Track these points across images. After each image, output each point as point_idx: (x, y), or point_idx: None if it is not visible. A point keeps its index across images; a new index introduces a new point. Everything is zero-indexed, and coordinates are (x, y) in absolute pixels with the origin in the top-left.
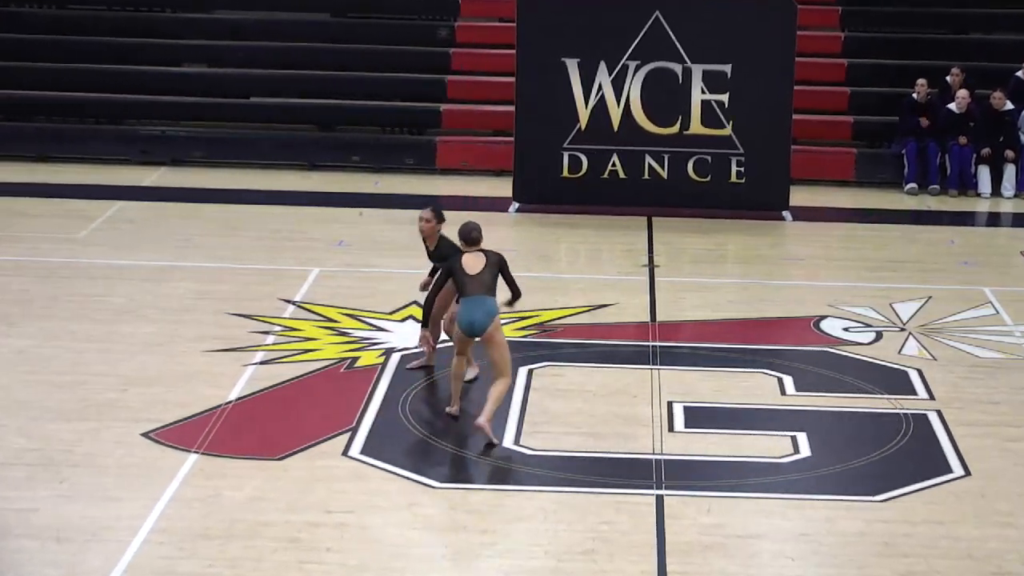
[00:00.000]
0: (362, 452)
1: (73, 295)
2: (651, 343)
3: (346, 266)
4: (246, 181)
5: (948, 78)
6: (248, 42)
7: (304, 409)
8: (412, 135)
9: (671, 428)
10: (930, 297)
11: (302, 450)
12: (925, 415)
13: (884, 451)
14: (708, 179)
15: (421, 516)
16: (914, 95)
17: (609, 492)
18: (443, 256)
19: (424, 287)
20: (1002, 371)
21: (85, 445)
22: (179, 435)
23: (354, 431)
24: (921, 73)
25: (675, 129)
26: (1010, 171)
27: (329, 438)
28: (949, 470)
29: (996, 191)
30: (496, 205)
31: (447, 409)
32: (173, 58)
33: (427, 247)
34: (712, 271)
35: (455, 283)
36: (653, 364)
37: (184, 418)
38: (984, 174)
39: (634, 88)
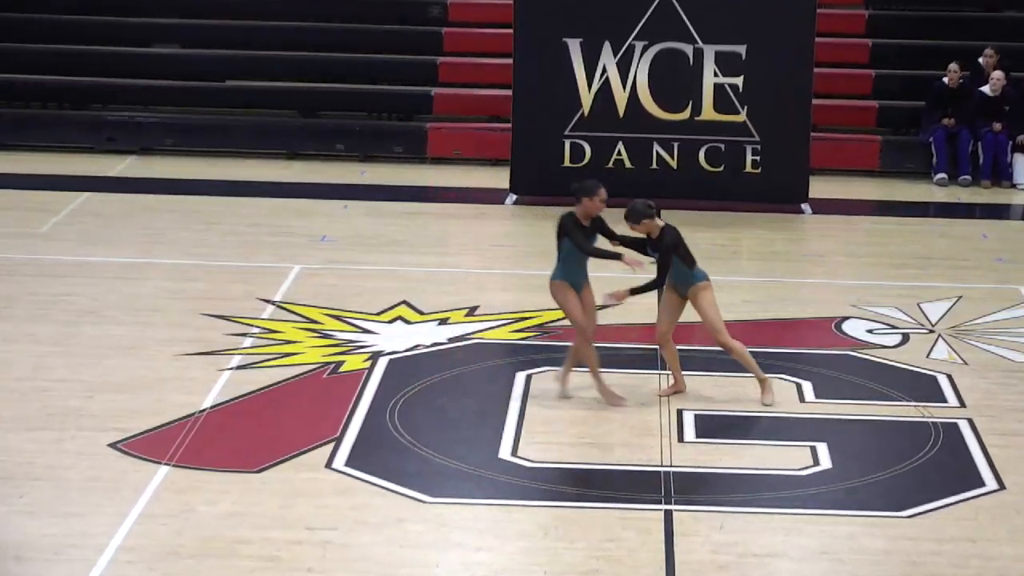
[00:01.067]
0: (347, 464)
1: (34, 294)
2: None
3: (329, 263)
4: (221, 171)
5: (981, 60)
6: (224, 21)
7: (284, 418)
8: (401, 121)
9: (681, 438)
10: (961, 296)
11: (282, 462)
12: (955, 424)
13: (911, 463)
14: (721, 169)
15: (411, 533)
16: (944, 79)
17: (614, 507)
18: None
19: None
20: None
21: (47, 457)
22: (149, 446)
23: (338, 442)
24: (951, 54)
25: (685, 115)
26: None
27: (311, 449)
28: (981, 483)
29: None
30: (491, 197)
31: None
32: (143, 38)
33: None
34: (725, 268)
35: (687, 256)
36: (662, 369)
37: (154, 427)
38: (1020, 163)
39: (641, 71)
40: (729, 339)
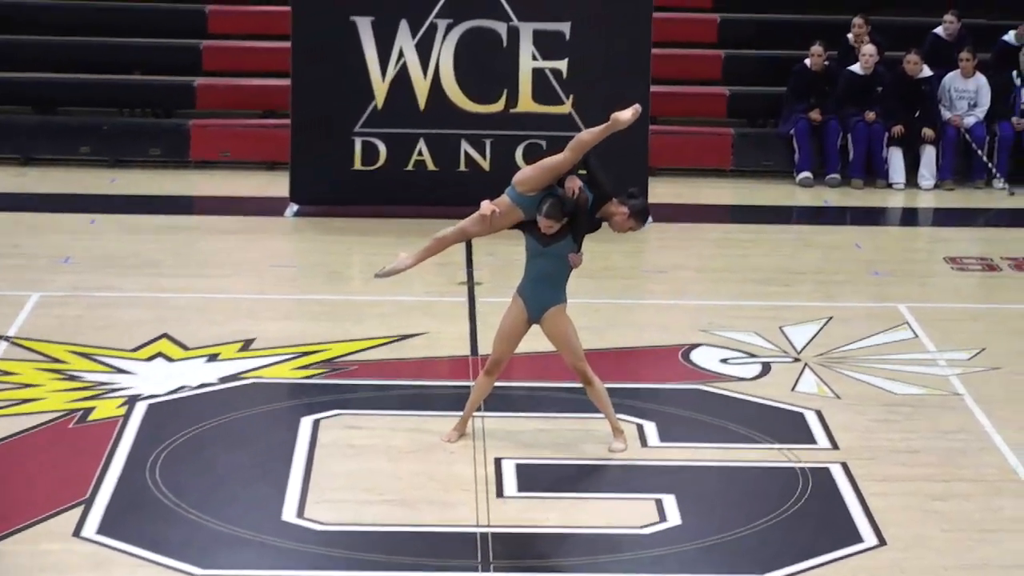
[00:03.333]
0: (100, 532)
1: None
2: (473, 383)
3: (75, 289)
4: None
5: (849, 35)
6: None
7: (22, 477)
8: (158, 118)
9: (500, 492)
10: (831, 318)
11: (19, 531)
12: (827, 469)
13: (775, 516)
14: None
15: None
16: (807, 62)
17: None
18: None
19: None
20: (923, 411)
21: None
22: None
23: (88, 505)
24: (815, 31)
25: (499, 106)
26: (929, 155)
27: (55, 514)
28: (859, 539)
29: (912, 180)
30: (268, 207)
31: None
32: None
33: None
34: None
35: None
36: (476, 410)
37: None
38: (896, 158)
39: (445, 54)
40: (591, 371)
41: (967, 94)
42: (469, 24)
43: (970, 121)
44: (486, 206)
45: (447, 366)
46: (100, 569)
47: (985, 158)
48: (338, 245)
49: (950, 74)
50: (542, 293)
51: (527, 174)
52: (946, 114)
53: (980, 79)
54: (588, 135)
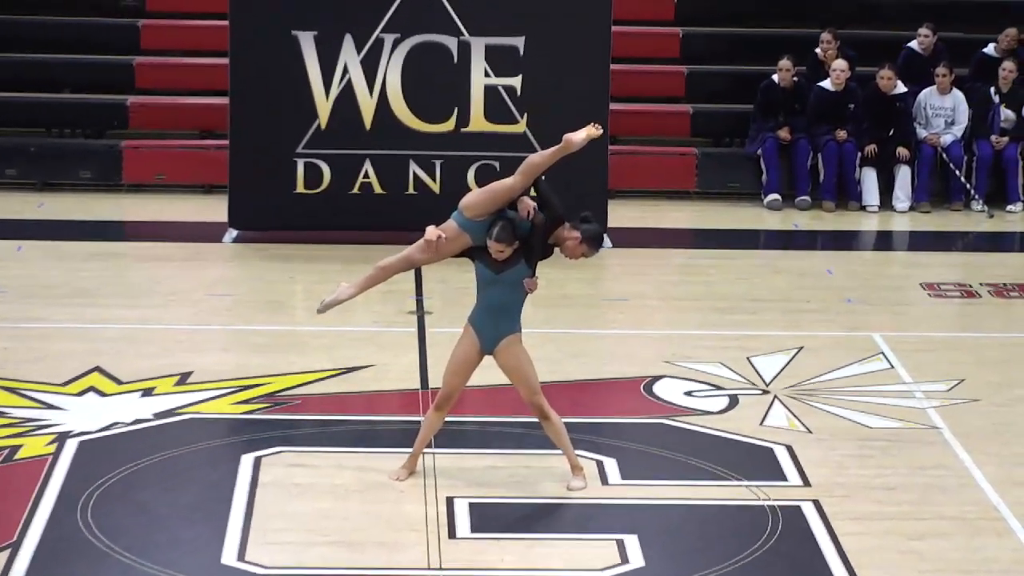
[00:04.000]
0: None
1: None
2: (423, 418)
3: (0, 320)
4: None
5: (818, 50)
6: None
7: None
8: (88, 138)
9: (452, 533)
10: (802, 347)
11: None
12: (798, 507)
13: (744, 558)
14: None
15: None
16: (775, 78)
17: None
18: None
19: None
20: (899, 445)
21: None
22: None
23: (15, 548)
24: (783, 46)
25: (449, 126)
26: (904, 175)
27: None
28: None
29: (886, 202)
30: (206, 233)
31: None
32: None
33: None
34: None
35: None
36: (426, 447)
37: None
38: (870, 180)
39: (392, 70)
40: (547, 405)
41: (944, 111)
42: (417, 39)
43: (947, 140)
44: (431, 231)
45: (396, 400)
46: None
47: (963, 179)
48: (280, 273)
49: (926, 90)
50: (495, 322)
51: (474, 199)
52: (922, 132)
53: (957, 95)
54: (539, 157)
